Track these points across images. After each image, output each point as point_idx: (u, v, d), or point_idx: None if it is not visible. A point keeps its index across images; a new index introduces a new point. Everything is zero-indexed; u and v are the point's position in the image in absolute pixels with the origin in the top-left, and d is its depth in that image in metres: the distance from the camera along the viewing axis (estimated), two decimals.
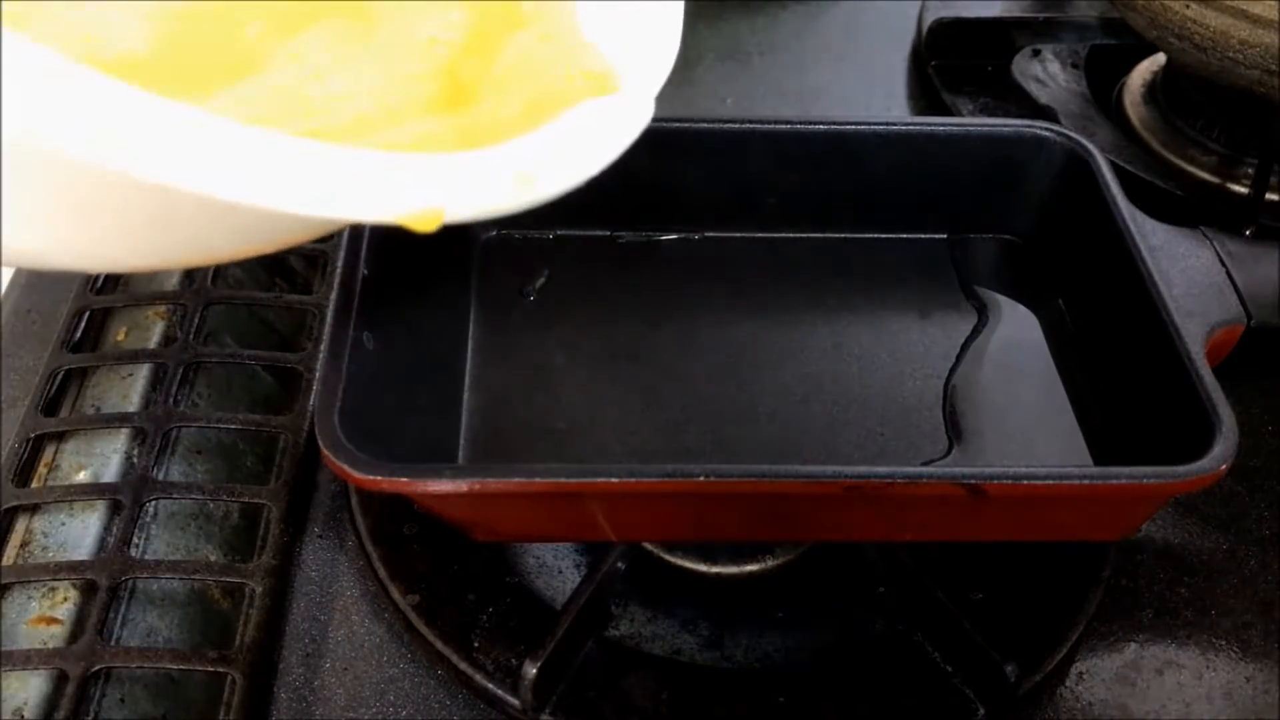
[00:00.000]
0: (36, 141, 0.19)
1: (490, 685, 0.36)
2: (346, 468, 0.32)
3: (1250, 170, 0.53)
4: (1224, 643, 0.39)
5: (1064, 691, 0.37)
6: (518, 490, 0.33)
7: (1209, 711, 0.37)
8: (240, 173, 0.21)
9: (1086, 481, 0.34)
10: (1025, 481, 0.34)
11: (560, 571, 0.39)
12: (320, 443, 0.33)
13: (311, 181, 0.22)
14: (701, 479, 0.33)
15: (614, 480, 0.33)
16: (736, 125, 0.46)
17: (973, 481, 0.33)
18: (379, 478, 0.32)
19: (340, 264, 0.38)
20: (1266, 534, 0.42)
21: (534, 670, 0.34)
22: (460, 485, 0.33)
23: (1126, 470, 0.34)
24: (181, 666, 0.36)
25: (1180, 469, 0.33)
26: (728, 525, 0.38)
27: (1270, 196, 0.52)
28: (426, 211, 0.23)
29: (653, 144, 0.45)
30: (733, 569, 0.39)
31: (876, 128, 0.46)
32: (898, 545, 0.38)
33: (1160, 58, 0.60)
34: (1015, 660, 0.35)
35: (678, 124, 0.45)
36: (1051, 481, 0.34)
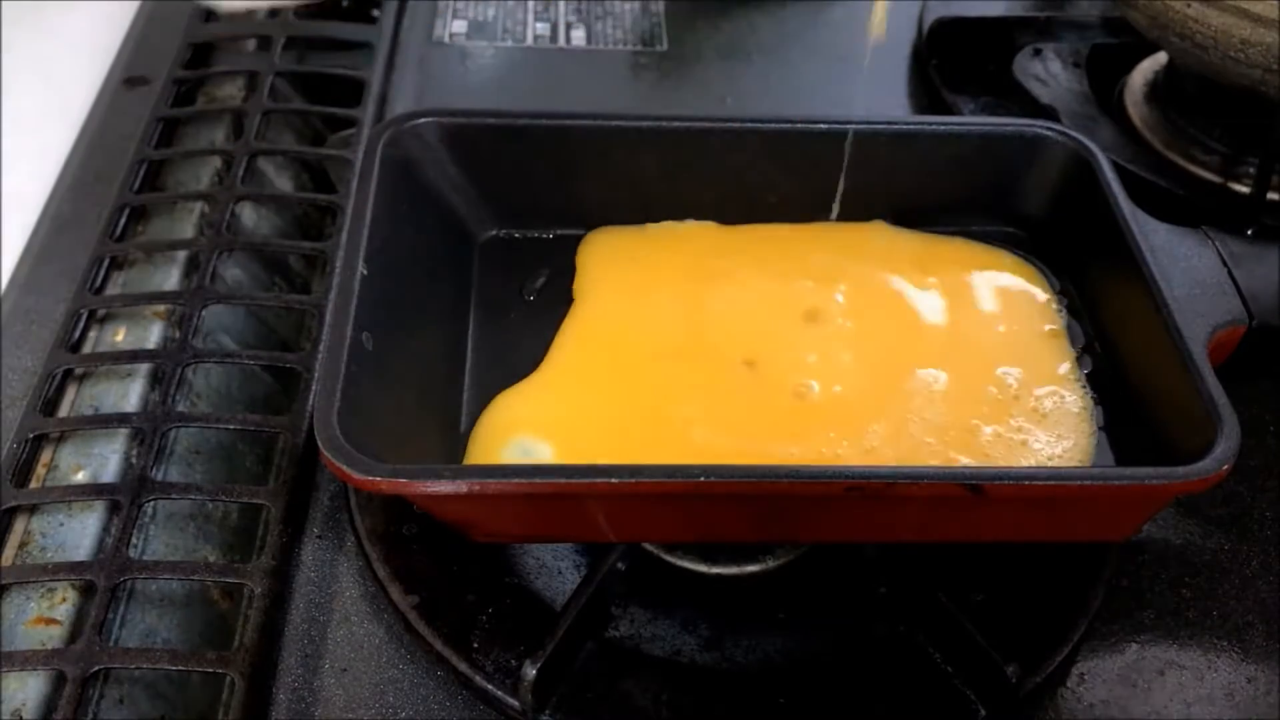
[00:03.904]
0: None
1: (490, 686, 0.36)
2: (345, 468, 0.32)
3: (1252, 170, 0.53)
4: (1226, 643, 0.39)
5: (1065, 692, 0.37)
6: (517, 490, 0.33)
7: (1210, 712, 0.37)
8: None
9: (1087, 482, 0.34)
10: (1026, 481, 0.34)
11: (560, 572, 0.39)
12: (319, 443, 0.33)
13: None
14: (701, 479, 0.33)
15: (614, 480, 0.33)
16: (737, 125, 0.46)
17: (973, 481, 0.33)
18: (378, 478, 0.32)
19: (340, 264, 0.38)
20: (1268, 534, 0.42)
21: (534, 671, 0.34)
22: (460, 485, 0.33)
23: (1128, 470, 0.34)
24: (180, 667, 0.36)
25: (1182, 469, 0.33)
26: (728, 526, 0.37)
27: (1272, 196, 0.52)
28: None
29: (653, 143, 0.45)
30: (733, 569, 0.39)
31: (877, 127, 0.45)
32: (898, 546, 0.38)
33: (1162, 57, 0.60)
34: (1016, 661, 0.35)
35: (678, 123, 0.45)
36: (1052, 481, 0.34)
